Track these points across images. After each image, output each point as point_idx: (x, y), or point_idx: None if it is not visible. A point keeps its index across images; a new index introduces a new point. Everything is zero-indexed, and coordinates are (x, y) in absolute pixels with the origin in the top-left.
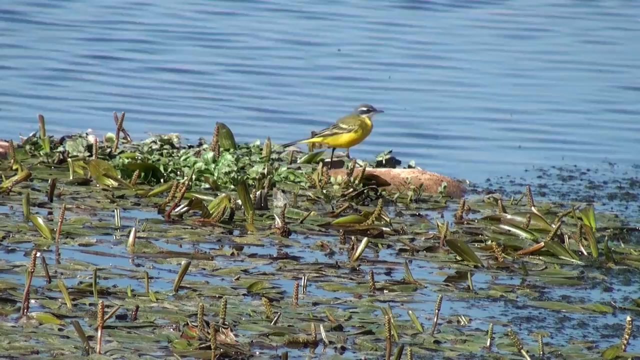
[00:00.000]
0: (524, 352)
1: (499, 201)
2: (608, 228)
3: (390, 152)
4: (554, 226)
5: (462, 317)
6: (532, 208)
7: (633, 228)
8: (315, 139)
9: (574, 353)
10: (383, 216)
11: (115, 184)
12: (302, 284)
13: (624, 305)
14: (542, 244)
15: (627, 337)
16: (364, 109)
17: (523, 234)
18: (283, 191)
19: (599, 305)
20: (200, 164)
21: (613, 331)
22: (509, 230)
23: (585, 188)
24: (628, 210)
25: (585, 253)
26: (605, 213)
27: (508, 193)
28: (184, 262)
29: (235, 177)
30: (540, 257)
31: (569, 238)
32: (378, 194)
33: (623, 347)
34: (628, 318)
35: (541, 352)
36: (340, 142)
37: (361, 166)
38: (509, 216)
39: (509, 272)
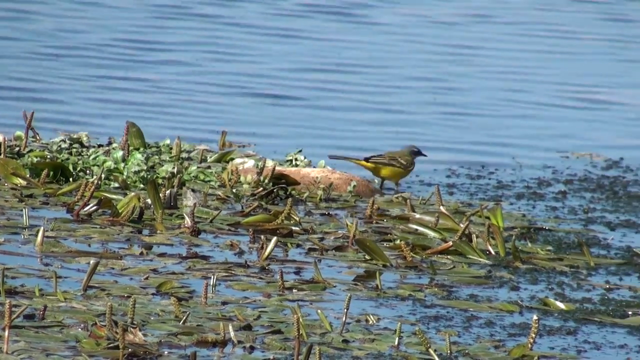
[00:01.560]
0: (431, 351)
1: (408, 200)
2: (516, 227)
3: (300, 151)
4: (462, 225)
5: (371, 316)
6: (441, 207)
7: (540, 227)
8: (368, 164)
9: (481, 352)
10: (292, 215)
11: (23, 183)
12: (212, 284)
13: (530, 304)
14: (451, 243)
15: (533, 335)
16: (416, 150)
17: (432, 233)
18: (193, 190)
19: (506, 304)
20: (110, 163)
21: (520, 330)
22: (418, 230)
23: (494, 187)
24: (535, 210)
25: (493, 252)
26: (513, 212)
27: (417, 192)
28: (92, 261)
29: (145, 176)
30: (449, 256)
31: (477, 237)
32: (288, 193)
33: (530, 345)
34: (535, 317)
35: (449, 351)
36: (392, 175)
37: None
38: (417, 215)
39: (418, 271)
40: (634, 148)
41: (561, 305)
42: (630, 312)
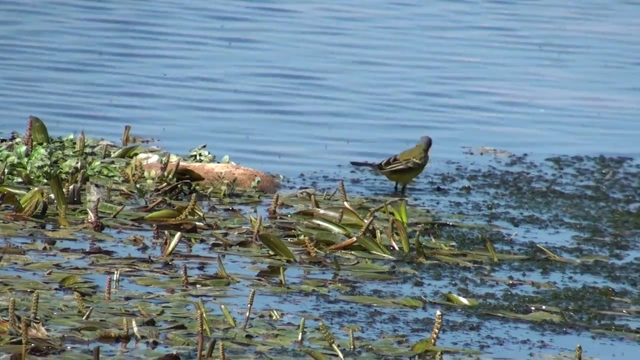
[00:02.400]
0: (335, 347)
1: (312, 196)
2: (419, 223)
3: (204, 146)
4: (366, 221)
5: (275, 312)
6: (345, 203)
7: (444, 223)
8: (385, 171)
9: (384, 347)
10: (196, 211)
11: None
12: (115, 279)
13: (434, 300)
14: (354, 238)
15: (437, 331)
16: (427, 145)
17: (336, 229)
18: (96, 185)
19: (409, 300)
20: (13, 158)
21: (423, 325)
22: (322, 225)
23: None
24: (439, 206)
25: (397, 248)
26: (416, 208)
27: (321, 188)
28: None
29: (49, 171)
30: (353, 252)
31: (381, 233)
32: (191, 188)
33: (433, 341)
34: (438, 312)
35: (352, 347)
36: (408, 178)
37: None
38: (321, 211)
39: (322, 267)
40: (538, 144)
41: (464, 301)
42: (533, 308)
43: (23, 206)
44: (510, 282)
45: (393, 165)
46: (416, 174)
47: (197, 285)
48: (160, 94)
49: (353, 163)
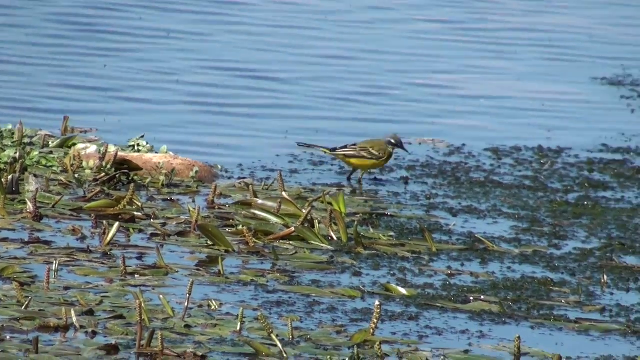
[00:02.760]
0: (273, 337)
1: (251, 186)
2: (358, 213)
3: (143, 136)
4: (304, 211)
5: (213, 302)
6: (283, 193)
7: (382, 213)
8: (337, 154)
9: (323, 337)
10: (135, 201)
11: None
12: (54, 269)
13: (372, 290)
14: (293, 228)
15: (375, 321)
16: (393, 142)
17: (274, 219)
18: (35, 175)
19: (348, 290)
20: None
21: (362, 315)
22: (260, 215)
23: (336, 173)
24: (377, 196)
25: (335, 238)
26: (355, 198)
27: (260, 178)
28: None
29: None
30: (291, 242)
31: (319, 223)
32: (130, 178)
33: (372, 331)
34: (377, 302)
35: (291, 336)
36: (363, 165)
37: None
38: (260, 201)
39: (260, 257)
40: (476, 135)
41: (403, 291)
42: (471, 298)
43: None
44: (449, 272)
45: (344, 149)
46: (373, 165)
47: (136, 275)
48: (101, 85)
49: (299, 144)
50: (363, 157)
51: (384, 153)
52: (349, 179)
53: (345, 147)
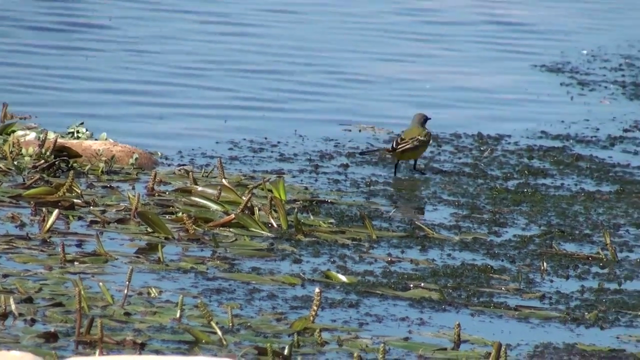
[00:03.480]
0: (213, 324)
1: (190, 173)
2: (298, 200)
3: (82, 123)
4: (244, 198)
5: (153, 289)
6: (223, 180)
7: (322, 200)
8: (396, 153)
9: (263, 325)
10: (74, 188)
11: None
12: None
13: (313, 277)
14: (233, 216)
15: (315, 308)
16: (425, 118)
17: (214, 206)
18: None
19: (288, 277)
20: None
21: (302, 303)
22: (200, 202)
23: (276, 160)
24: (318, 183)
25: (275, 225)
26: (295, 185)
27: (199, 165)
28: None
29: None
30: (231, 229)
31: (259, 210)
32: (69, 165)
33: (312, 318)
34: (317, 290)
35: (231, 324)
36: (418, 154)
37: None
38: (200, 188)
39: (200, 244)
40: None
41: (343, 278)
42: (411, 285)
43: None
44: (389, 259)
45: (402, 145)
46: (423, 149)
47: (75, 263)
48: (41, 73)
49: (362, 153)
50: (417, 147)
51: (427, 135)
52: (414, 167)
53: (398, 144)
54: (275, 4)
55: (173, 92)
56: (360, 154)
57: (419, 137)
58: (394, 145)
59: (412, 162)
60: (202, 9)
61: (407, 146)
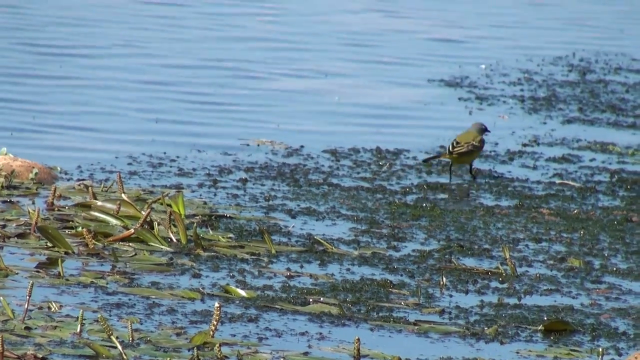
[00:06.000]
0: (113, 338)
1: (90, 188)
2: (197, 215)
3: None
4: (143, 213)
5: (53, 304)
6: (123, 195)
7: (221, 215)
8: (453, 157)
9: (163, 339)
10: None
11: None
12: None
13: (212, 292)
14: (132, 230)
15: (215, 323)
16: (484, 127)
17: (113, 221)
18: None
19: (188, 292)
20: None
21: (202, 317)
22: (100, 217)
23: (175, 175)
24: (217, 197)
25: (175, 240)
26: (194, 200)
27: (99, 180)
28: None
29: None
30: (131, 244)
31: (158, 225)
32: None
33: (211, 333)
34: (216, 304)
35: (131, 338)
36: (472, 158)
37: None
38: (99, 203)
39: (100, 259)
40: (315, 136)
41: (243, 293)
42: (311, 300)
43: None
44: (288, 273)
45: (458, 148)
46: (477, 154)
47: None
48: None
49: (425, 160)
50: (471, 151)
51: (480, 141)
52: (470, 171)
53: (454, 147)
54: (162, 14)
55: (72, 107)
56: (424, 161)
57: (473, 142)
58: (450, 149)
59: (466, 166)
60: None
61: (463, 150)
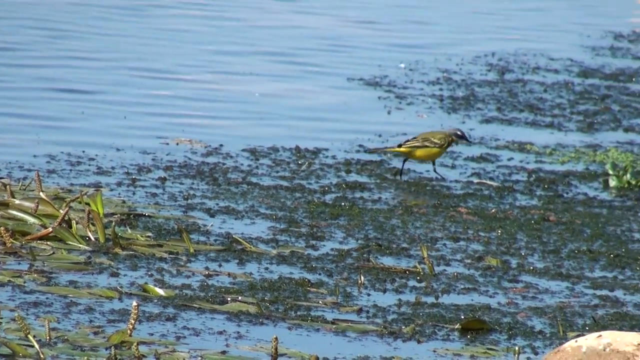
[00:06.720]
0: (31, 337)
1: (8, 186)
2: (116, 214)
3: None
4: (62, 211)
5: None
6: (41, 193)
7: (140, 214)
8: (403, 149)
9: (80, 338)
10: None
11: None
12: None
13: (130, 291)
14: (50, 229)
15: (133, 322)
16: (460, 133)
17: (31, 219)
18: None
19: (106, 291)
20: None
21: (120, 316)
22: (17, 216)
23: (94, 174)
24: (135, 196)
25: (93, 238)
26: (113, 199)
27: (17, 178)
28: None
29: None
30: (49, 243)
31: (77, 223)
32: None
33: (129, 332)
34: (134, 303)
35: (48, 337)
36: (427, 155)
37: None
38: (17, 201)
39: (17, 258)
40: (234, 135)
41: (161, 292)
42: (229, 299)
43: None
44: (207, 272)
45: (411, 142)
46: (434, 153)
47: None
48: None
49: (369, 151)
50: (426, 146)
51: (444, 141)
52: (399, 173)
53: (408, 141)
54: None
55: None
56: (369, 151)
57: (432, 139)
58: (402, 142)
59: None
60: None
61: (414, 143)
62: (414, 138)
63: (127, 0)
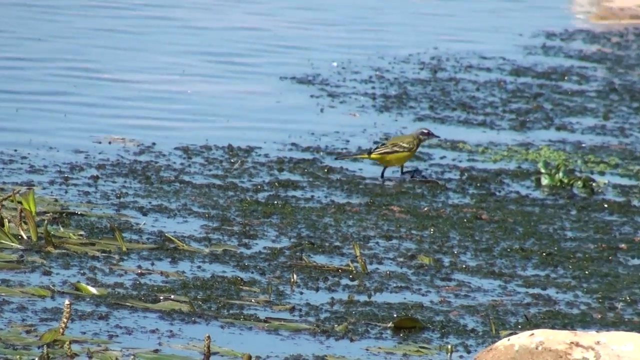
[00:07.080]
0: None
1: None
2: (48, 212)
3: None
4: None
5: None
6: None
7: (72, 212)
8: (374, 156)
9: (13, 337)
10: None
11: None
12: None
13: (63, 289)
14: None
15: (65, 320)
16: (426, 132)
17: None
18: None
19: (38, 289)
20: None
21: (52, 315)
22: None
23: (26, 172)
24: (68, 195)
25: (25, 237)
26: (45, 197)
27: None
28: None
29: None
30: None
31: (9, 222)
32: None
33: (62, 330)
34: (67, 302)
35: None
36: (399, 159)
37: None
38: None
39: None
40: (166, 133)
41: (93, 290)
42: (161, 297)
43: None
44: (139, 271)
45: (380, 149)
46: (404, 157)
47: None
48: None
49: (338, 158)
50: (396, 151)
51: (413, 144)
52: (382, 176)
53: (377, 147)
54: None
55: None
56: (337, 158)
57: (401, 143)
58: (371, 149)
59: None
60: None
61: (384, 150)
62: (383, 144)
63: (72, 1)
